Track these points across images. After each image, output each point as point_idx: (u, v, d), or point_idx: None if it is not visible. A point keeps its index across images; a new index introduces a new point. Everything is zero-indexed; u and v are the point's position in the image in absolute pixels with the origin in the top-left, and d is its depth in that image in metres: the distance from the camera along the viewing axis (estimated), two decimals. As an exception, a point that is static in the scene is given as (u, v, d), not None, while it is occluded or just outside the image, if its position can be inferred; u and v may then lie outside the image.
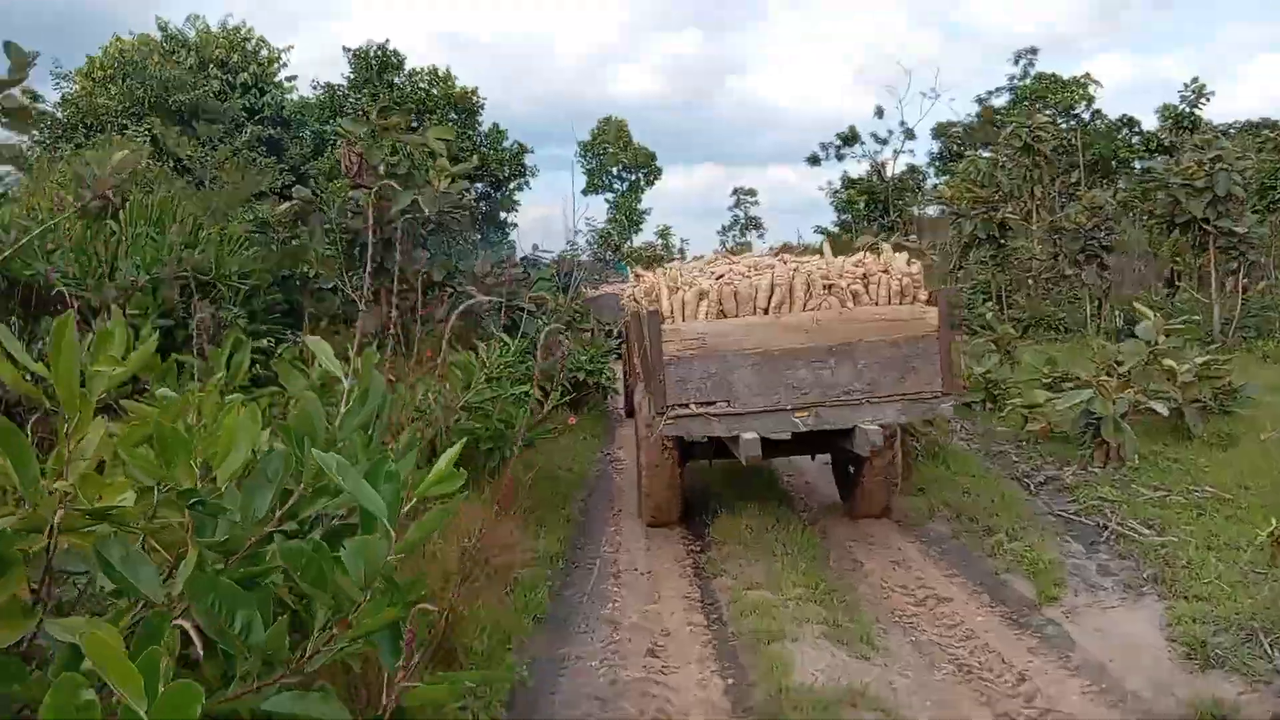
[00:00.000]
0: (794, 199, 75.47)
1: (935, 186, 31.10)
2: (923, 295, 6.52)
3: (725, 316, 6.46)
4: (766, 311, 6.45)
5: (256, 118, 24.05)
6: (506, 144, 24.97)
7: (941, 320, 6.37)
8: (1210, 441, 9.06)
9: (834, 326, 6.30)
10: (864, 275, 6.60)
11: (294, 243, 11.53)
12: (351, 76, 24.03)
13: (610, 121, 52.72)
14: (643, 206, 51.37)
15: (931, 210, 38.93)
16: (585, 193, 50.88)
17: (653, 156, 51.94)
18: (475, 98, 24.27)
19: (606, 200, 51.67)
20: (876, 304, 6.46)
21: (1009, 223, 21.79)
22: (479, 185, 24.54)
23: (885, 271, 6.60)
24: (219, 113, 23.22)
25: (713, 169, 79.47)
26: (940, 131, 42.49)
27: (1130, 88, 68.19)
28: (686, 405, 6.27)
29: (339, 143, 11.08)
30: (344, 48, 24.69)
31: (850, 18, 73.58)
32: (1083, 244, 19.41)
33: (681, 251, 43.27)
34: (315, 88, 24.58)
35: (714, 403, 6.27)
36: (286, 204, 11.00)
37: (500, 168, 24.28)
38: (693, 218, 78.22)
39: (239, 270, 11.66)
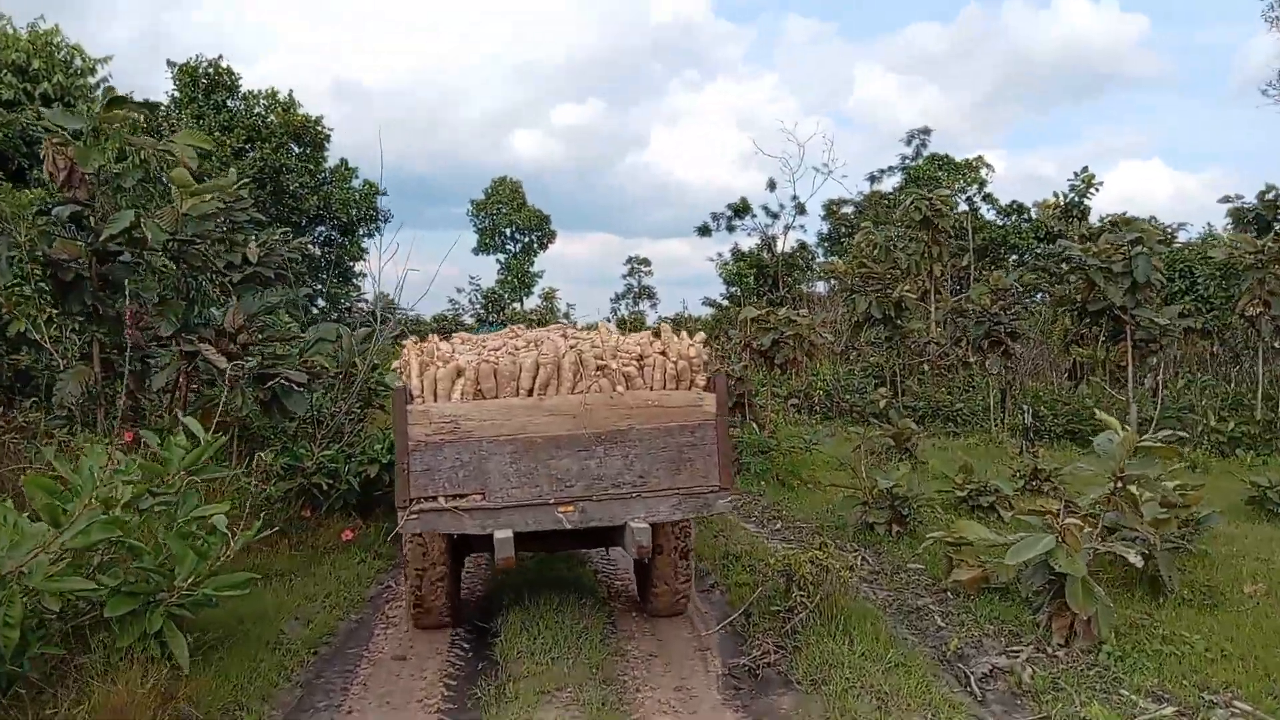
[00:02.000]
0: (686, 271, 74.18)
1: (828, 260, 29.37)
2: (700, 380, 5.96)
3: (484, 397, 5.74)
4: (531, 393, 5.78)
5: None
6: (355, 183, 22.03)
7: (719, 407, 5.90)
8: (1186, 597, 6.81)
9: (603, 412, 5.75)
10: (639, 356, 5.95)
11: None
12: (176, 94, 20.77)
13: (504, 182, 52.11)
14: (535, 269, 50.13)
15: (820, 287, 37.58)
16: (476, 252, 49.95)
17: (546, 219, 51.29)
18: (319, 128, 21.22)
19: (498, 261, 50.42)
20: (651, 388, 5.90)
21: (905, 302, 19.93)
22: (320, 229, 21.48)
23: (662, 353, 5.99)
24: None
25: (608, 238, 77.59)
26: (831, 211, 41.34)
27: (1007, 181, 70.08)
28: (434, 498, 5.60)
29: (42, 143, 8.08)
30: (168, 61, 21.38)
31: (747, 101, 73.07)
32: (987, 328, 17.58)
33: (567, 316, 41.31)
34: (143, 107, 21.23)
35: (465, 495, 5.62)
36: (-44, 221, 7.87)
37: (345, 209, 21.22)
38: (586, 284, 76.06)
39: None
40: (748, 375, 13.98)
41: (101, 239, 7.80)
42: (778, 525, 9.81)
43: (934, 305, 21.31)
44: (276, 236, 13.36)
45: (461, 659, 6.08)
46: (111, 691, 4.23)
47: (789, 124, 54.42)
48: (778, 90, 75.60)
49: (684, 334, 6.11)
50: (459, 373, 5.72)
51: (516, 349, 6.04)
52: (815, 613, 6.09)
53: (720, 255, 41.77)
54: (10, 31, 20.64)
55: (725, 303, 39.24)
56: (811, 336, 13.88)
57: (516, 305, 45.13)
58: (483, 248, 50.72)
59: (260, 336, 8.46)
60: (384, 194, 23.15)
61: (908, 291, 19.91)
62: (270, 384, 8.30)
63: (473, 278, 37.35)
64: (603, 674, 5.51)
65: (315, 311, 19.72)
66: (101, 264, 8.23)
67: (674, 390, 5.89)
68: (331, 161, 21.55)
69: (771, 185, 40.51)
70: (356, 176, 22.47)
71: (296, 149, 20.94)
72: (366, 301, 24.63)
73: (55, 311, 8.38)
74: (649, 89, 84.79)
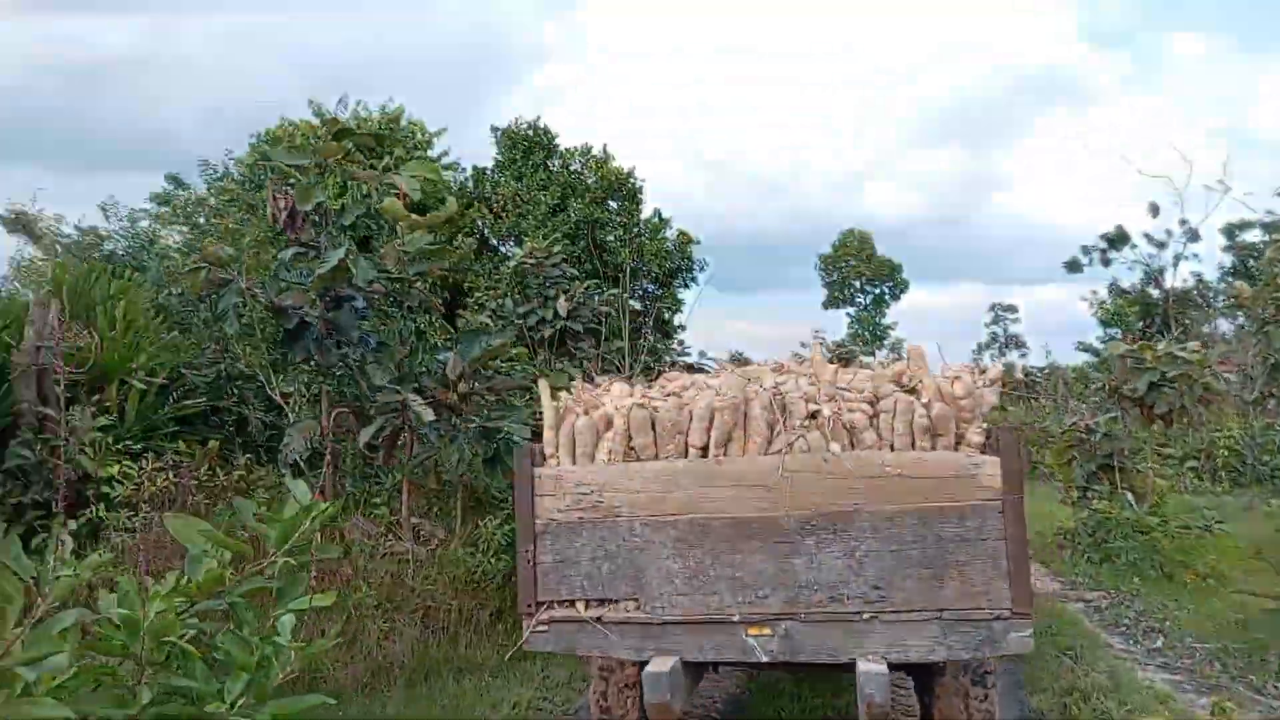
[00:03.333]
0: (1059, 317, 67.74)
1: (1231, 284, 24.00)
2: (975, 435, 3.90)
3: (639, 457, 4.11)
4: (705, 451, 4.05)
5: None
6: (668, 233, 21.36)
7: (1008, 479, 3.74)
8: None
9: (813, 481, 3.86)
10: (872, 397, 3.99)
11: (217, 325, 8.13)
12: (499, 158, 21.39)
13: (853, 233, 52.00)
14: (886, 321, 49.97)
15: (1224, 327, 31.51)
16: (825, 306, 50.73)
17: (898, 268, 50.61)
18: (633, 180, 20.90)
19: (847, 315, 50.77)
20: (891, 446, 3.92)
21: (1344, 334, 15.31)
22: (646, 285, 21.07)
23: (910, 390, 4.02)
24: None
25: (971, 286, 73.63)
26: (1232, 235, 34.76)
27: None
28: (570, 602, 4.12)
29: (266, 182, 7.65)
30: (492, 127, 22.18)
31: (1124, 131, 64.86)
32: None
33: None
34: (458, 170, 22.15)
35: (613, 601, 4.06)
36: (195, 269, 7.56)
37: (657, 260, 20.60)
38: (948, 336, 72.23)
39: (147, 363, 8.40)
40: (1117, 430, 10.94)
41: (313, 281, 7.11)
42: (1158, 643, 6.97)
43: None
44: (585, 289, 12.66)
45: None
46: None
47: (1175, 151, 47.33)
48: (1160, 114, 67.10)
49: (950, 367, 4.13)
50: (606, 423, 4.13)
51: (700, 390, 4.33)
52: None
53: (1094, 293, 36.97)
54: (364, 113, 22.45)
55: (1102, 346, 34.32)
56: (1205, 379, 10.56)
57: (867, 358, 43.24)
58: (832, 302, 51.38)
59: (484, 386, 7.35)
60: (697, 242, 22.20)
61: (1347, 320, 15.32)
62: (491, 439, 7.16)
63: (816, 331, 35.71)
64: None
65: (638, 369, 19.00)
66: (328, 309, 7.59)
67: (928, 451, 3.91)
68: (645, 213, 21.21)
69: (1154, 210, 34.90)
70: (670, 227, 21.89)
71: (613, 204, 20.80)
72: (689, 356, 23.74)
73: (280, 361, 7.87)
74: (1013, 129, 79.26)
